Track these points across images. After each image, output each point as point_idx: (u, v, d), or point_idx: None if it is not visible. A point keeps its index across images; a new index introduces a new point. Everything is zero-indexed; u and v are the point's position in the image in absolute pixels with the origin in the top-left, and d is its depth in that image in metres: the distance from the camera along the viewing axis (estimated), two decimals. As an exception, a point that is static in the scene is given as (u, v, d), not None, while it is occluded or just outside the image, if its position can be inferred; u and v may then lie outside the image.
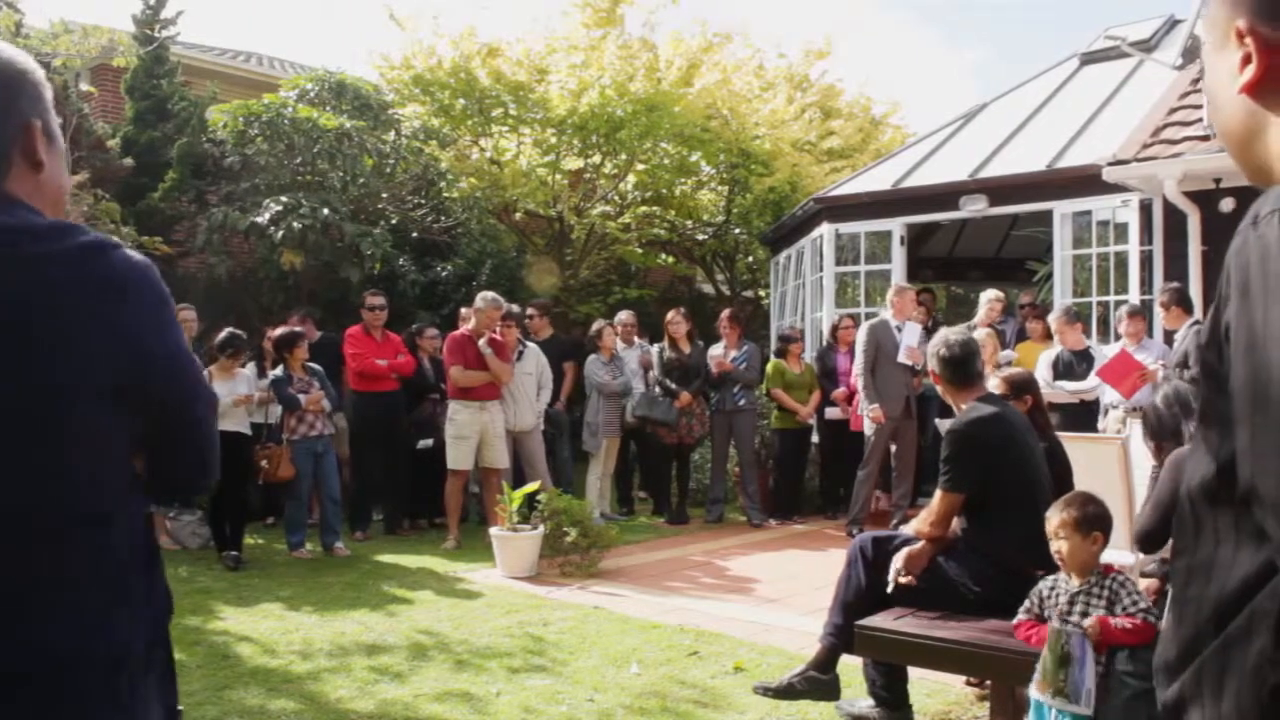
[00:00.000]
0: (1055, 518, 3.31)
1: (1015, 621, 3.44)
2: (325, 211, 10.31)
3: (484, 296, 8.35)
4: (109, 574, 1.45)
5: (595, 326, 9.75)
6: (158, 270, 1.50)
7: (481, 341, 8.06)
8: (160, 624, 1.55)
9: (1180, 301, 7.38)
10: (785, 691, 4.29)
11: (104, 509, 1.46)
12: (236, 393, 7.57)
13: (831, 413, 9.39)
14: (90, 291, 1.40)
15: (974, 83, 59.89)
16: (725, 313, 9.87)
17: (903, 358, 8.48)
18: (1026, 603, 3.43)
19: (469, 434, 8.06)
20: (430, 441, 8.83)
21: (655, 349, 9.59)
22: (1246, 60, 1.14)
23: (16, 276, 1.37)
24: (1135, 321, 7.57)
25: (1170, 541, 2.79)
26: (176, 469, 1.60)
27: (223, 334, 7.84)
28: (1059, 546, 3.29)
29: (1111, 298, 8.78)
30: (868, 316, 10.44)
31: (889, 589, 4.02)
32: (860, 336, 8.64)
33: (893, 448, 8.67)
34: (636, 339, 9.98)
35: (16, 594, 1.37)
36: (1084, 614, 3.18)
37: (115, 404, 1.44)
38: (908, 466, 8.72)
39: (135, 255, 1.47)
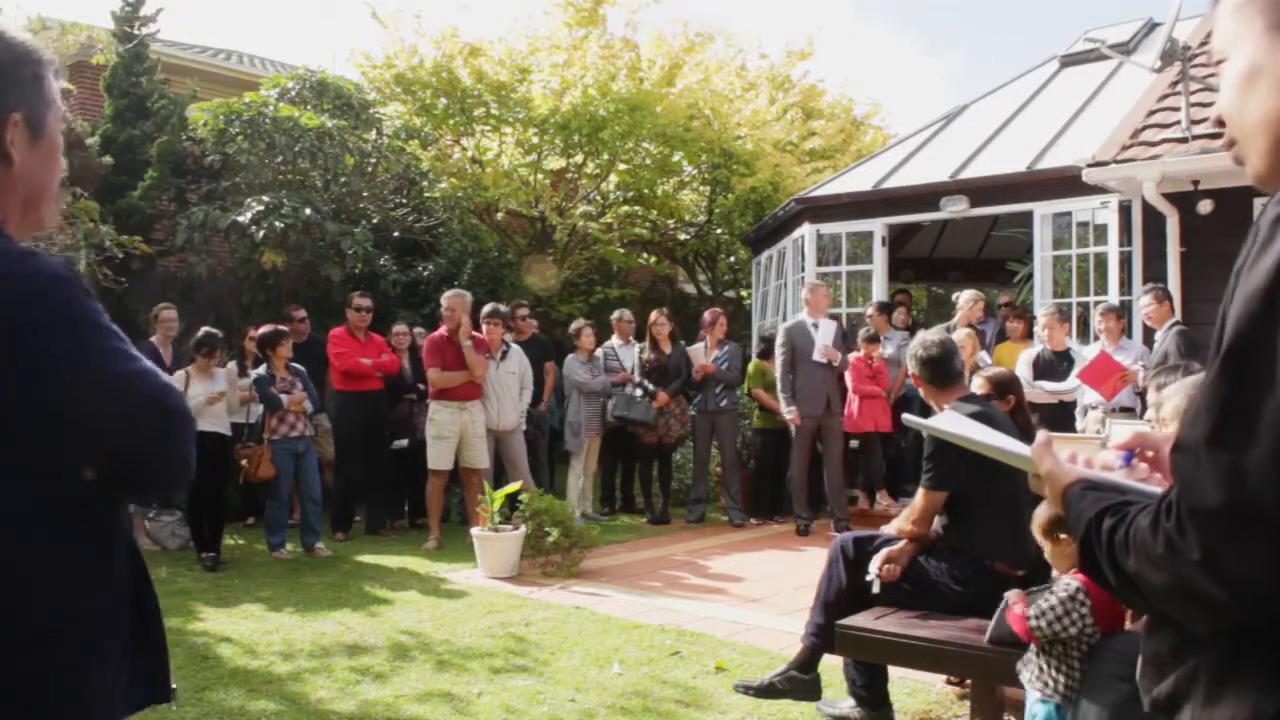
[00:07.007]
0: (1036, 521, 3.31)
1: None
2: (307, 211, 10.26)
3: (448, 294, 8.32)
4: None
5: (574, 326, 9.74)
6: (78, 285, 1.37)
7: (466, 343, 8.01)
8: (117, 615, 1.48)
9: (1170, 298, 7.48)
10: (767, 691, 4.31)
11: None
12: (212, 390, 7.54)
13: None
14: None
15: (952, 89, 60.24)
16: (717, 311, 9.83)
17: (818, 356, 8.52)
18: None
19: (449, 434, 8.04)
20: (405, 441, 8.80)
21: (635, 348, 9.60)
22: None
23: None
24: (1108, 319, 7.68)
25: None
26: (138, 481, 1.49)
27: (198, 334, 7.81)
28: (1045, 547, 3.29)
29: (1091, 298, 8.83)
30: (849, 318, 10.49)
31: (874, 589, 4.03)
32: (778, 338, 8.70)
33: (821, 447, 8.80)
34: (632, 338, 9.95)
35: None
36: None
37: (36, 436, 1.33)
38: (836, 469, 8.77)
39: (52, 270, 1.35)
